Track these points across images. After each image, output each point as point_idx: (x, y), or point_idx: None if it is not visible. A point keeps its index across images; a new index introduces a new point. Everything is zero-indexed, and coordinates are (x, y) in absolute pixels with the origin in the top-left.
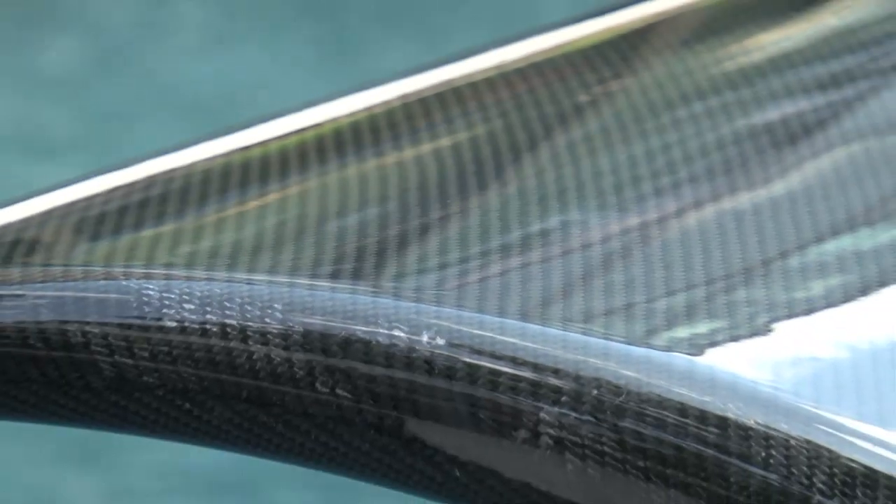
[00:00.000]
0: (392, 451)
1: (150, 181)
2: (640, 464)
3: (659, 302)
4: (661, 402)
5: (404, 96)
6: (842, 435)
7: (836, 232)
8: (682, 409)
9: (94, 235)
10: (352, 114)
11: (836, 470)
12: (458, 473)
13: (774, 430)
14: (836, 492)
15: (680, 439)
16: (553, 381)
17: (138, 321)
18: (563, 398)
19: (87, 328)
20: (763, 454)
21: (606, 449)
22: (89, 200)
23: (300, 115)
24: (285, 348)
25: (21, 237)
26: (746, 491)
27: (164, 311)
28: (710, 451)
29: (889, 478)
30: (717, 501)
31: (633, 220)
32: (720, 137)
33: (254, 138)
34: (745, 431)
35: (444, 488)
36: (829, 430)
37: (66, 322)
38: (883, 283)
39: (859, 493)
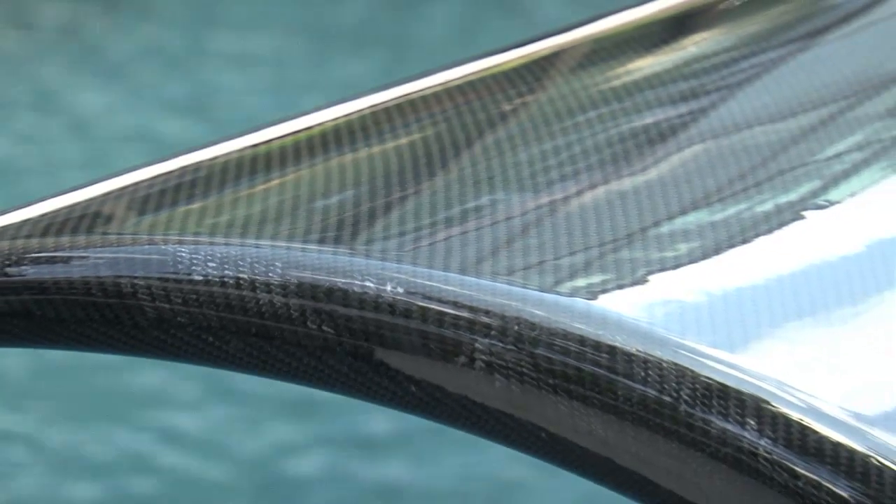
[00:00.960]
0: (364, 372)
1: (182, 171)
2: (550, 381)
3: (564, 259)
4: (566, 335)
5: (373, 106)
6: (701, 358)
7: (696, 206)
8: (581, 340)
9: (141, 212)
10: (332, 120)
11: (696, 385)
12: (413, 388)
13: (650, 355)
14: (697, 402)
15: (580, 363)
16: (485, 319)
17: (173, 275)
18: (493, 332)
19: (135, 281)
20: (642, 374)
21: (525, 370)
22: (136, 186)
23: (293, 121)
24: (284, 296)
25: (86, 213)
26: (630, 402)
27: (193, 267)
28: (602, 372)
29: (737, 391)
30: (608, 410)
31: (545, 199)
32: (616, 135)
33: (257, 139)
34: (628, 357)
35: (403, 400)
36: (691, 354)
37: (119, 276)
38: (727, 247)
39: (714, 403)
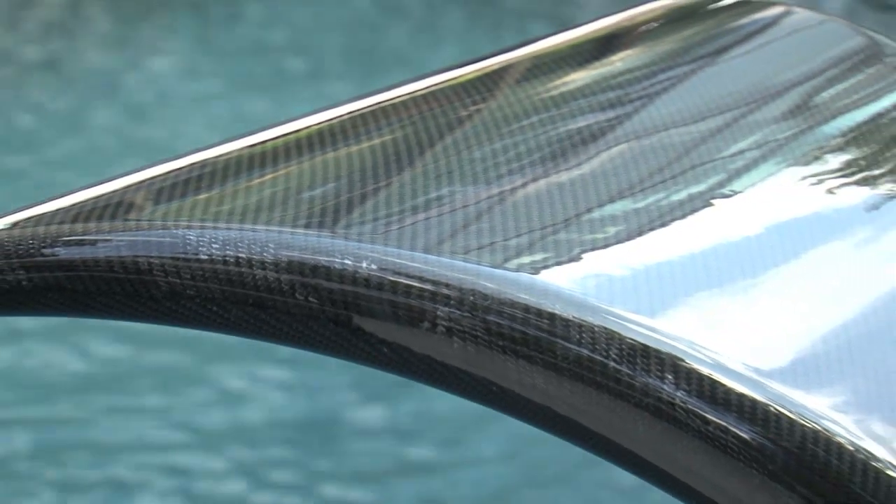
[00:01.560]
0: (343, 336)
1: (190, 167)
2: (499, 343)
3: (511, 241)
4: (513, 304)
5: (350, 112)
6: (625, 322)
7: (617, 197)
8: (526, 308)
9: (155, 201)
10: (317, 124)
11: (622, 345)
12: (384, 349)
13: (583, 320)
14: (623, 359)
15: (524, 327)
16: (445, 291)
17: (182, 255)
18: (451, 302)
19: (151, 260)
20: (577, 336)
21: (478, 333)
22: (152, 180)
23: (284, 125)
24: (276, 272)
25: (109, 203)
26: (566, 360)
27: (199, 248)
28: (542, 335)
29: (656, 350)
30: (548, 367)
31: (494, 190)
32: (552, 137)
33: (254, 140)
34: (565, 322)
35: (377, 359)
36: (617, 319)
37: (137, 256)
38: (643, 230)
39: (637, 360)
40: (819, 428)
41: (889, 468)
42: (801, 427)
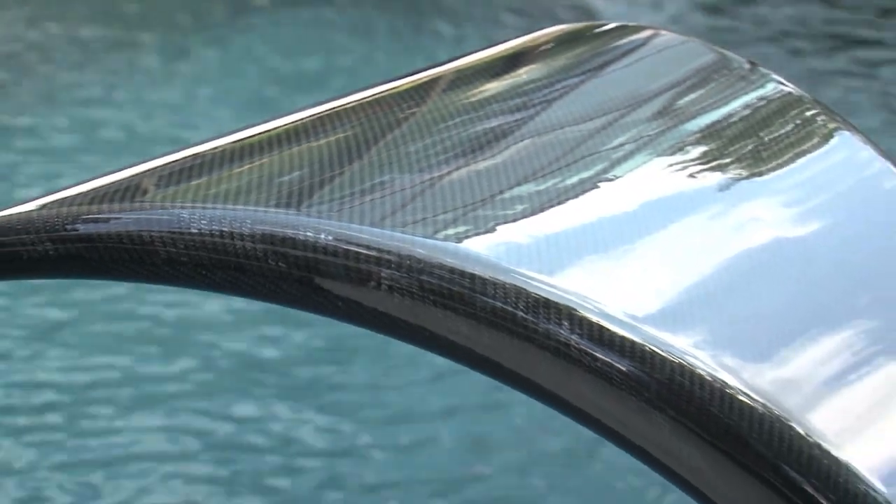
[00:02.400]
0: (306, 293)
1: (184, 159)
2: (431, 297)
3: (440, 216)
4: (441, 266)
5: (315, 113)
6: (529, 280)
7: (521, 180)
8: (451, 269)
9: (157, 187)
10: (287, 123)
11: (528, 298)
12: (340, 304)
13: (497, 278)
14: (529, 310)
15: (450, 284)
16: (387, 257)
17: (177, 229)
18: (392, 265)
19: (152, 233)
20: (492, 291)
21: (414, 290)
22: (153, 170)
23: (260, 125)
24: (252, 242)
25: (119, 188)
26: (484, 310)
27: (191, 223)
28: (465, 291)
29: (555, 302)
30: (469, 316)
31: (425, 176)
32: (472, 133)
33: (234, 137)
34: (482, 280)
35: (334, 312)
36: (522, 277)
37: (141, 230)
38: (542, 206)
39: (540, 310)
40: (683, 362)
41: (740, 394)
42: (669, 362)
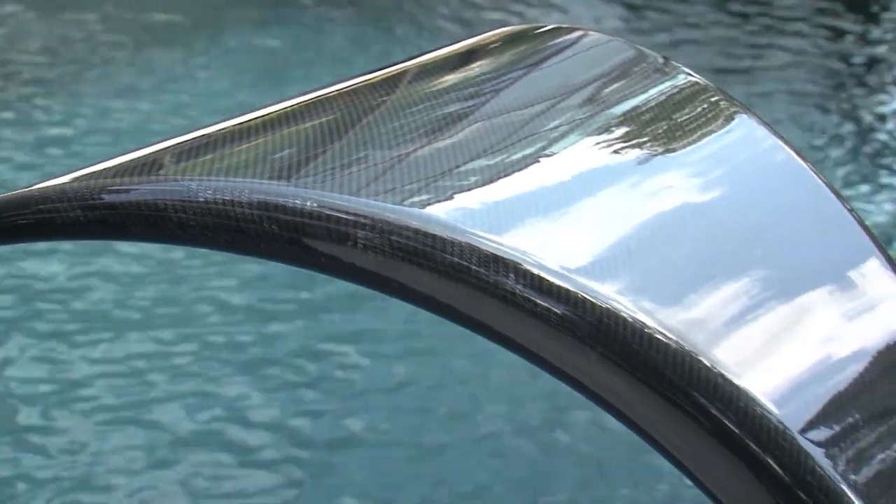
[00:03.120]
0: (295, 251)
1: (193, 140)
2: (399, 253)
3: (406, 186)
4: (406, 227)
5: (305, 99)
6: (481, 238)
7: (473, 155)
8: (416, 230)
9: (169, 163)
10: (282, 108)
11: (480, 254)
12: (323, 259)
13: (454, 238)
14: (482, 265)
15: (414, 243)
16: (362, 220)
17: (186, 198)
18: (366, 227)
19: (166, 201)
20: (450, 249)
21: (385, 247)
22: (167, 149)
23: (256, 111)
24: (249, 209)
25: (137, 164)
26: (444, 264)
27: (198, 193)
28: (427, 248)
29: (502, 257)
30: (431, 270)
31: (395, 152)
32: (433, 115)
33: (233, 121)
34: (442, 240)
35: (319, 266)
36: (475, 236)
37: (156, 199)
38: (492, 176)
39: (490, 265)
40: (609, 306)
41: (656, 333)
42: (597, 306)
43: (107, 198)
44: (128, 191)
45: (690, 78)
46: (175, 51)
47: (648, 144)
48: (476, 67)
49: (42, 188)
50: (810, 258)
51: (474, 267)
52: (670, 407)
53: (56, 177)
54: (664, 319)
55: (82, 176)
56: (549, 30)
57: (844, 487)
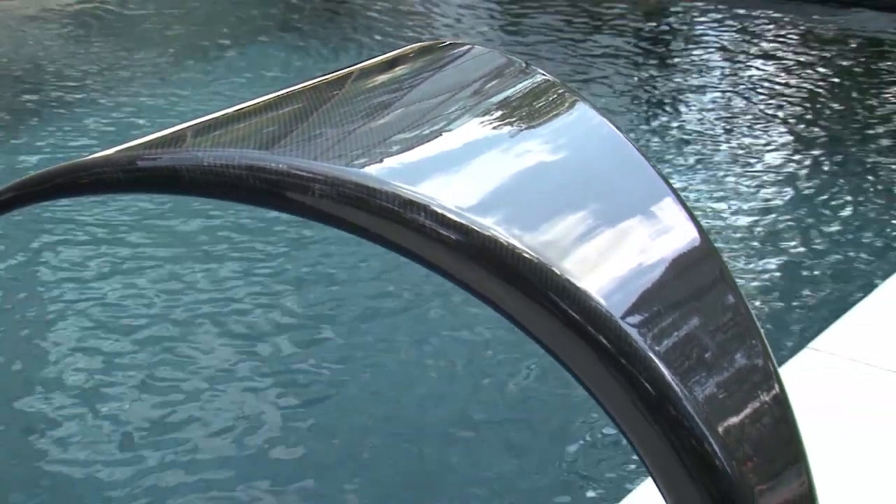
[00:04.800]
0: (277, 201)
1: (205, 121)
2: (344, 199)
3: (353, 153)
4: (349, 181)
5: (302, 87)
6: (405, 189)
7: (395, 129)
8: (355, 184)
9: (186, 138)
10: (275, 97)
11: (404, 199)
12: (296, 206)
13: (378, 188)
14: (404, 206)
15: (356, 192)
16: (319, 177)
17: (195, 163)
18: (321, 182)
19: (181, 165)
20: (381, 197)
21: (335, 196)
22: (183, 129)
23: (259, 98)
24: (240, 171)
25: (162, 140)
26: (377, 207)
27: (203, 159)
28: (364, 196)
29: (410, 200)
30: (370, 212)
31: (349, 128)
32: (364, 105)
33: (239, 105)
34: (373, 188)
35: (292, 210)
36: (401, 188)
37: (174, 164)
38: (403, 144)
39: (409, 207)
40: (488, 233)
41: (524, 252)
42: (481, 234)
43: (139, 164)
44: (154, 158)
45: (543, 76)
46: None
47: (514, 122)
48: (397, 70)
49: (95, 157)
50: (625, 198)
51: (396, 208)
52: (535, 304)
53: (105, 150)
54: (528, 243)
55: (123, 149)
56: (448, 44)
57: (651, 354)
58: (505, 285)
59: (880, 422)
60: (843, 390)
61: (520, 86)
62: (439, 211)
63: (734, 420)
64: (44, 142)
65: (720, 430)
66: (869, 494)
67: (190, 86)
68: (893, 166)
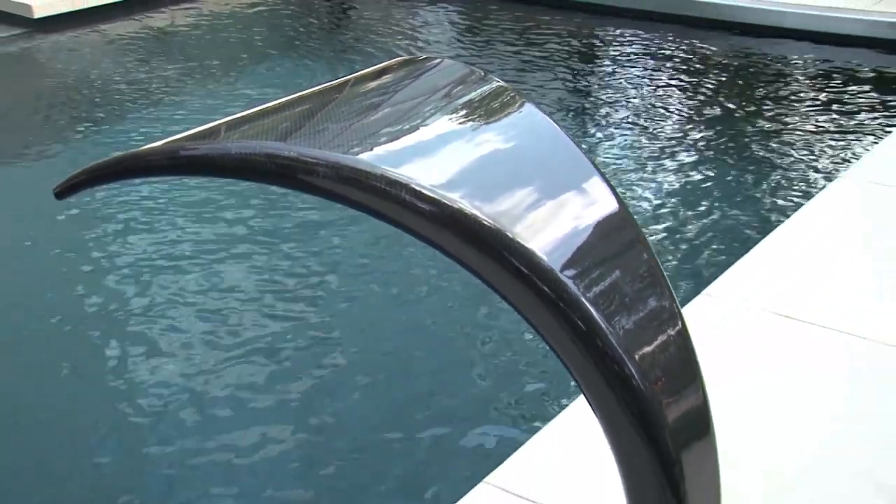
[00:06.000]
0: (291, 181)
1: (232, 119)
2: (342, 181)
3: (344, 144)
4: (345, 165)
5: (300, 94)
6: (388, 171)
7: (388, 126)
8: (350, 167)
9: (220, 132)
10: (289, 99)
11: (387, 178)
12: (305, 185)
13: (367, 170)
14: (379, 182)
15: (349, 174)
16: (322, 162)
17: (225, 152)
18: (324, 166)
19: (214, 153)
20: (368, 176)
21: (334, 176)
22: (216, 126)
23: (288, 95)
24: (259, 158)
25: (198, 134)
26: (358, 183)
27: (231, 148)
28: (356, 176)
29: (393, 179)
30: (353, 185)
31: (345, 123)
32: (363, 102)
33: (263, 105)
34: (364, 172)
35: (303, 188)
36: (383, 168)
37: (207, 153)
38: (375, 139)
39: (385, 182)
40: (455, 205)
41: (482, 219)
42: (449, 206)
43: (182, 153)
44: (193, 149)
45: (497, 83)
46: (232, 73)
47: (475, 119)
48: (384, 79)
49: (146, 148)
50: (561, 178)
51: (383, 186)
52: (492, 261)
53: (154, 142)
54: (486, 212)
55: (168, 141)
56: (424, 58)
57: (582, 299)
58: (469, 247)
59: (758, 351)
60: (728, 328)
61: (479, 90)
62: (417, 188)
63: (647, 349)
64: (110, 138)
65: (636, 357)
66: (745, 407)
67: (224, 92)
68: None
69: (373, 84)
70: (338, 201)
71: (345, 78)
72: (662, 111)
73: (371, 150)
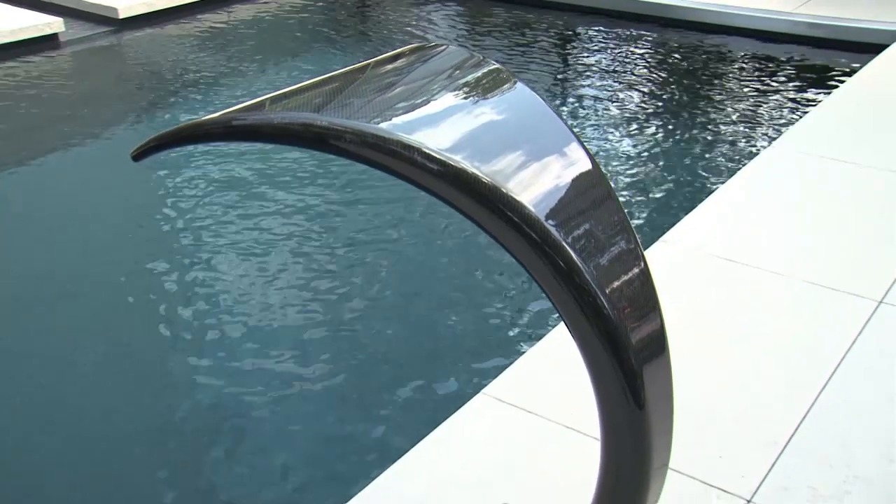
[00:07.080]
0: (323, 144)
1: (276, 94)
2: (362, 143)
3: (370, 115)
4: (368, 132)
5: (332, 74)
6: (403, 137)
7: (401, 101)
8: (374, 134)
9: (263, 106)
10: (331, 77)
11: (400, 142)
12: (333, 148)
13: (385, 135)
14: (396, 147)
15: (371, 140)
16: (350, 130)
17: (267, 121)
18: (351, 133)
19: (261, 122)
20: (386, 141)
21: (359, 141)
22: (264, 99)
23: (324, 75)
24: (297, 127)
25: (245, 108)
26: (377, 147)
27: (273, 119)
28: (377, 142)
29: (406, 143)
30: (370, 148)
31: (366, 99)
32: (378, 84)
33: (302, 83)
34: (383, 138)
35: (331, 151)
36: (398, 134)
37: (254, 123)
38: (409, 111)
39: (404, 147)
40: (458, 165)
41: (481, 177)
42: (454, 166)
43: (234, 123)
44: (243, 119)
45: (493, 65)
46: (265, 68)
47: (474, 95)
48: (398, 62)
49: (205, 118)
50: (546, 144)
51: (399, 150)
52: (489, 212)
53: (209, 114)
54: (484, 172)
55: (223, 113)
56: (433, 44)
57: (564, 243)
58: (470, 200)
59: (707, 288)
60: (682, 269)
61: (478, 71)
62: (427, 151)
63: (616, 284)
64: (185, 112)
65: (607, 290)
66: (695, 334)
67: (277, 77)
68: None
69: (389, 66)
70: (361, 162)
71: (366, 62)
72: (627, 92)
73: (389, 120)
